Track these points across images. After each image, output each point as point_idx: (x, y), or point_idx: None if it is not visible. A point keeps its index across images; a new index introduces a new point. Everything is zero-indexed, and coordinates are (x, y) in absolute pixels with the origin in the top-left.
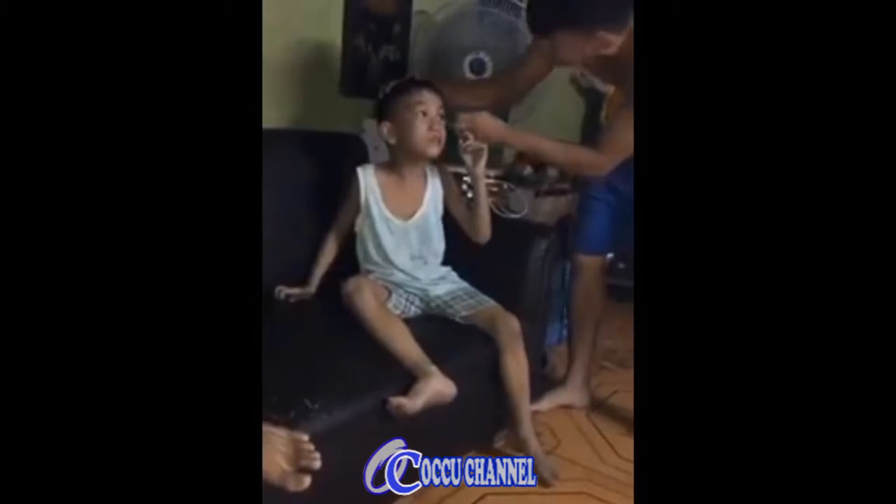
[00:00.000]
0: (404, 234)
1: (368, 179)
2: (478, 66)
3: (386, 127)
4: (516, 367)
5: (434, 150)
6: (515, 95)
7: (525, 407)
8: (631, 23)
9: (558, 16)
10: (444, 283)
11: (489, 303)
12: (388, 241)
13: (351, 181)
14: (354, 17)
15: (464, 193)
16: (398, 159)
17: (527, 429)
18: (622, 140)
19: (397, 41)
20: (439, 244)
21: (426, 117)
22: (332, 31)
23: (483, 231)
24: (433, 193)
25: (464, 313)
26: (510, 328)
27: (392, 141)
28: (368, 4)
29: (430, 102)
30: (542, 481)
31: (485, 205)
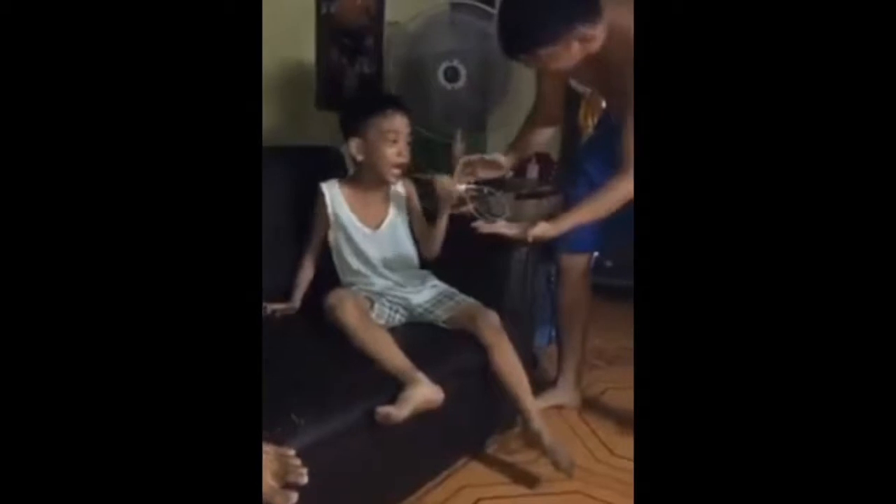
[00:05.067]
0: (377, 242)
1: (334, 193)
2: (451, 74)
3: (355, 144)
4: (506, 362)
5: (396, 178)
6: (553, 121)
7: (528, 399)
8: (604, 12)
9: (529, 34)
10: (424, 290)
11: (468, 301)
12: (364, 248)
13: (317, 198)
14: (327, 32)
15: (422, 197)
16: (363, 174)
17: (537, 421)
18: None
19: (371, 53)
20: (411, 250)
21: (396, 145)
22: (305, 46)
23: (434, 250)
24: (397, 203)
25: (445, 317)
26: (490, 324)
27: (359, 158)
28: (340, 18)
29: (401, 129)
30: (561, 470)
31: (442, 231)
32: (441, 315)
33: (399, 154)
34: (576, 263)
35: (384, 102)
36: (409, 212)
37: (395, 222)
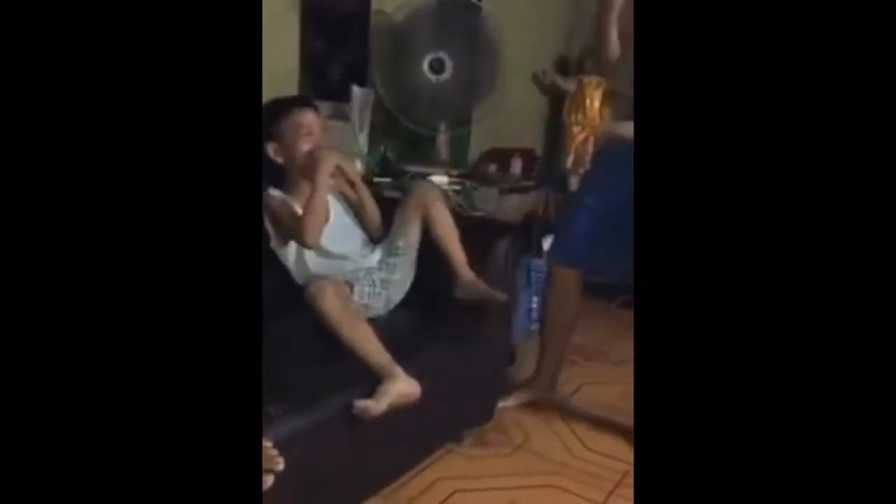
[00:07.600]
0: (329, 237)
1: (275, 202)
2: (437, 66)
3: (272, 148)
4: (439, 218)
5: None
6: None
7: (456, 251)
8: None
9: None
10: (376, 249)
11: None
12: (323, 244)
13: (272, 202)
14: (312, 20)
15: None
16: (293, 177)
17: (465, 270)
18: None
19: (356, 42)
20: (358, 233)
21: (310, 137)
22: (289, 34)
23: (374, 225)
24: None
25: (410, 232)
26: (426, 189)
27: (279, 160)
28: (325, 6)
29: (313, 123)
30: (498, 302)
31: (368, 205)
32: (401, 232)
33: (316, 145)
34: (568, 276)
35: (291, 103)
36: (350, 190)
37: (336, 212)
